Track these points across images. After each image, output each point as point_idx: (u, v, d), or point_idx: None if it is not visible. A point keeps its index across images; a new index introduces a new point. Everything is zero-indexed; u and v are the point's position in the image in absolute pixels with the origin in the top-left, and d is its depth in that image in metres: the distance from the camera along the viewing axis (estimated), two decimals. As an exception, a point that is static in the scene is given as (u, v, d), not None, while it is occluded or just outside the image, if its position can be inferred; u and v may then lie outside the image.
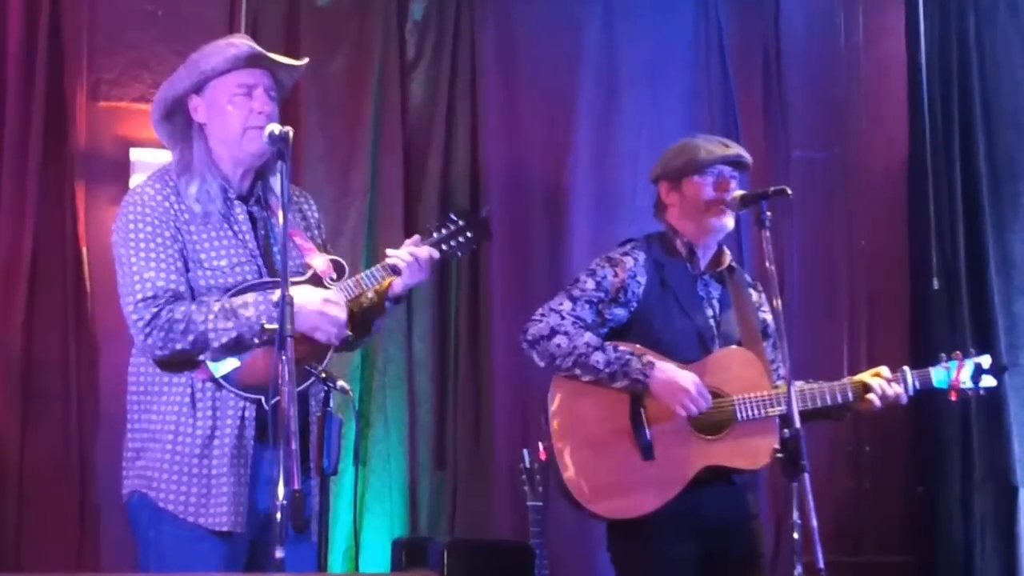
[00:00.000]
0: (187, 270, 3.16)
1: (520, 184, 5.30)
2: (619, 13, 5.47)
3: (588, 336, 3.62)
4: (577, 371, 3.61)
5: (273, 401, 2.94)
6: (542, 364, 3.66)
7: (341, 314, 3.15)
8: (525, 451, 4.28)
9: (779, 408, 3.56)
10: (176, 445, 3.12)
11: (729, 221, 3.73)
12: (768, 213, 3.36)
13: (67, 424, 4.62)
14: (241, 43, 3.27)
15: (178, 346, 3.08)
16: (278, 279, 3.14)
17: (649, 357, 3.58)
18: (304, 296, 3.04)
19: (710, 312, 3.75)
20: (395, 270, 3.29)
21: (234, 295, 3.13)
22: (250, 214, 3.28)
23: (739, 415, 3.60)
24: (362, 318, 3.32)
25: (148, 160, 4.71)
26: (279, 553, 2.62)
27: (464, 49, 5.28)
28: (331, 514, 3.60)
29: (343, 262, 3.30)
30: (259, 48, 3.26)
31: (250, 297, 3.11)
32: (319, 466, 3.06)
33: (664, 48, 5.51)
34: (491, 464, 5.05)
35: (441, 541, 4.43)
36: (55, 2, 4.76)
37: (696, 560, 3.62)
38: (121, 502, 3.25)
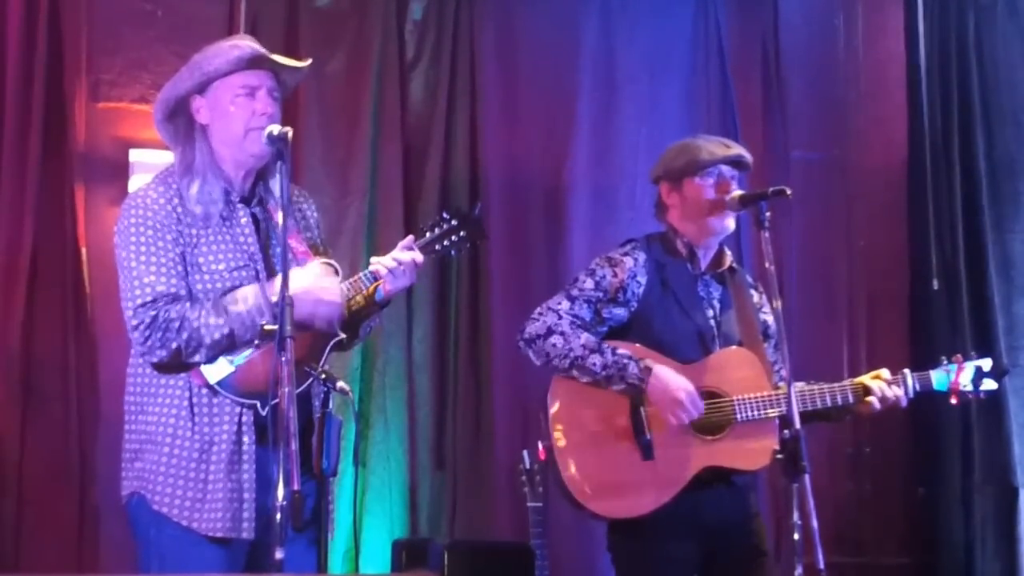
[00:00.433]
0: (186, 274, 3.16)
1: (519, 184, 5.30)
2: (618, 13, 5.47)
3: (585, 337, 3.62)
4: (574, 373, 3.61)
5: (271, 404, 2.95)
6: (538, 363, 3.67)
7: (336, 297, 3.17)
8: (525, 452, 4.28)
9: (778, 409, 3.57)
10: (173, 449, 3.13)
11: (730, 222, 3.73)
12: (767, 213, 3.36)
13: (67, 425, 4.62)
14: (245, 44, 3.27)
15: (174, 344, 3.09)
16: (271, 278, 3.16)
17: (647, 362, 3.58)
18: (296, 281, 3.04)
19: (710, 312, 3.75)
20: (376, 275, 3.29)
21: (226, 294, 3.14)
22: (252, 216, 3.28)
23: (739, 416, 3.60)
24: (350, 321, 3.32)
25: (148, 161, 4.71)
26: (279, 554, 2.62)
27: (463, 49, 5.28)
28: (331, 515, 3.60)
29: (336, 266, 3.30)
30: (263, 50, 3.27)
31: (240, 293, 3.12)
32: (319, 467, 3.06)
33: (663, 48, 5.51)
34: (491, 465, 5.05)
35: (441, 542, 4.43)
36: (54, 3, 4.75)
37: (697, 560, 3.63)
38: (120, 503, 3.26)
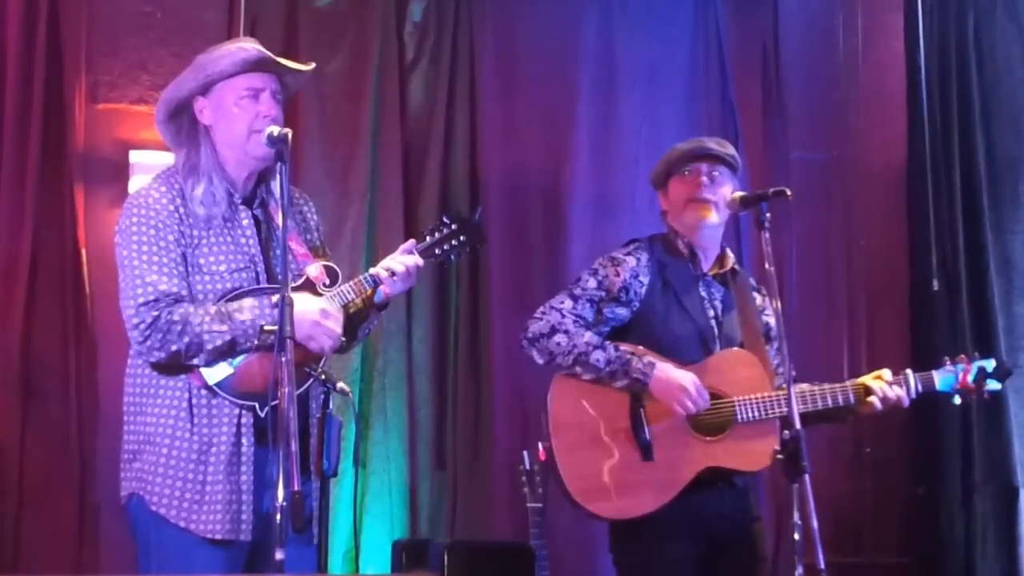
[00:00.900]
0: (187, 274, 3.16)
1: (519, 185, 5.30)
2: (618, 15, 5.47)
3: (588, 335, 3.63)
4: (578, 369, 3.61)
5: (270, 405, 2.95)
6: (541, 362, 3.67)
7: (337, 327, 3.15)
8: (525, 452, 4.29)
9: (779, 410, 3.57)
10: (172, 450, 3.12)
11: (710, 217, 3.73)
12: (768, 214, 3.36)
13: (67, 425, 4.62)
14: (250, 47, 3.28)
15: (174, 347, 3.08)
16: (275, 285, 3.15)
17: (650, 357, 3.58)
18: (302, 305, 3.03)
19: (712, 313, 3.76)
20: (378, 279, 3.29)
21: (230, 300, 3.14)
22: (254, 217, 3.28)
23: (739, 416, 3.60)
24: (349, 324, 3.32)
25: (147, 162, 4.71)
26: (279, 555, 2.62)
27: (463, 50, 5.28)
28: (331, 516, 3.61)
29: (336, 268, 3.30)
30: (267, 52, 3.27)
31: (247, 302, 3.12)
32: (319, 468, 3.06)
33: (663, 49, 5.51)
34: (491, 465, 5.05)
35: (441, 542, 4.43)
36: (53, 4, 4.76)
37: (698, 561, 3.63)
38: (120, 503, 3.25)
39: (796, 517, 3.07)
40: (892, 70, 5.60)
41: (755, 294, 3.88)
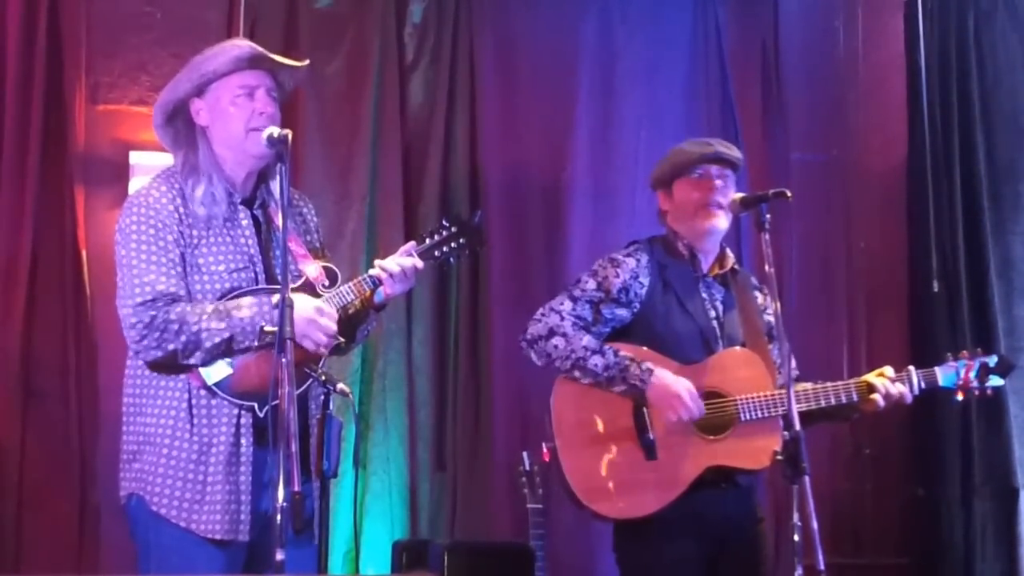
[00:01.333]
0: (185, 274, 3.16)
1: (519, 186, 5.30)
2: (617, 15, 5.47)
3: (587, 339, 3.63)
4: (576, 374, 3.62)
5: (269, 406, 2.95)
6: (540, 364, 3.68)
7: (332, 325, 3.15)
8: (524, 453, 4.28)
9: (782, 408, 3.57)
10: (172, 450, 3.13)
11: (720, 222, 3.74)
12: (768, 215, 3.36)
13: (67, 425, 4.63)
14: (243, 44, 3.29)
15: (171, 346, 3.08)
16: (274, 286, 3.16)
17: (649, 363, 3.58)
18: (298, 304, 3.03)
19: (713, 313, 3.76)
20: (378, 280, 3.29)
21: (229, 299, 3.14)
22: (253, 218, 3.28)
23: (742, 416, 3.61)
24: (347, 325, 3.32)
25: (147, 163, 4.72)
26: (279, 555, 2.62)
27: (463, 51, 5.28)
28: (331, 516, 3.61)
29: (335, 269, 3.31)
30: (261, 49, 3.27)
31: (245, 300, 3.13)
32: (319, 468, 3.07)
33: (663, 50, 5.51)
34: (491, 466, 5.05)
35: (441, 543, 4.43)
36: (54, 5, 4.76)
37: (702, 561, 3.64)
38: (119, 503, 3.25)
39: (796, 518, 3.07)
40: (892, 71, 5.60)
41: (756, 293, 3.89)
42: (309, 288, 3.23)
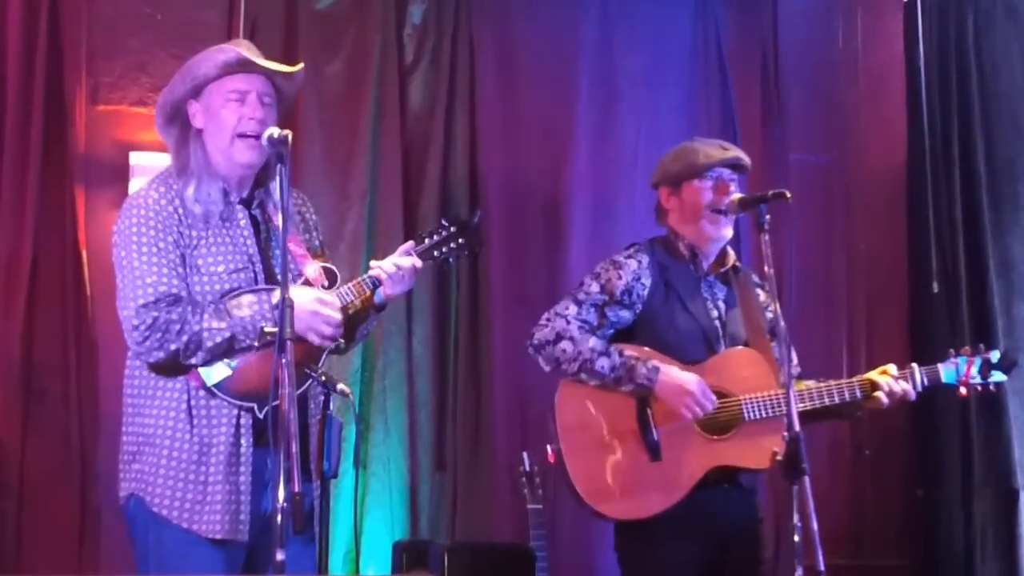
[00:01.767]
0: (186, 275, 3.16)
1: (519, 187, 5.30)
2: (617, 17, 5.47)
3: (593, 341, 3.63)
4: (583, 376, 3.63)
5: (268, 407, 2.96)
6: (548, 368, 3.69)
7: (335, 315, 3.16)
8: (525, 454, 4.29)
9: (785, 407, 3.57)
10: (172, 451, 3.13)
11: (727, 231, 3.75)
12: (767, 216, 3.36)
13: (67, 426, 4.62)
14: (231, 49, 3.28)
15: (172, 347, 3.09)
16: (273, 285, 3.16)
17: (655, 362, 3.59)
18: (299, 297, 3.03)
19: (715, 313, 3.76)
20: (378, 280, 3.29)
21: (229, 299, 3.14)
22: (252, 218, 3.28)
23: (746, 415, 3.61)
24: (347, 325, 3.32)
25: (147, 164, 4.72)
26: (280, 556, 2.62)
27: (463, 53, 5.28)
28: (331, 517, 3.61)
29: (335, 269, 3.31)
30: (250, 54, 3.26)
31: (245, 299, 3.13)
32: (319, 469, 3.07)
33: (662, 52, 5.51)
34: (491, 467, 5.05)
35: (441, 544, 4.43)
36: (54, 6, 4.76)
37: (703, 562, 3.64)
38: (119, 504, 3.25)
39: (796, 519, 3.07)
40: (892, 72, 5.60)
41: (758, 290, 3.88)
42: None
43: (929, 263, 5.34)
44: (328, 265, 3.32)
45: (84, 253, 4.70)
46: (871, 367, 3.84)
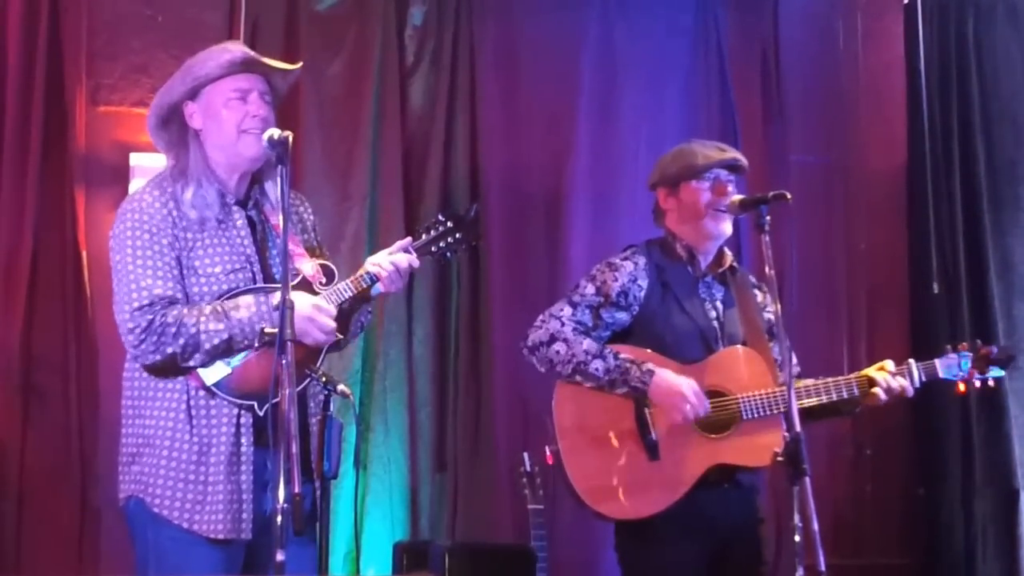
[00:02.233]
0: (182, 277, 3.16)
1: (519, 188, 5.31)
2: (618, 18, 5.47)
3: (588, 343, 3.63)
4: (577, 378, 3.63)
5: (268, 405, 2.97)
6: (542, 370, 3.69)
7: (330, 321, 3.16)
8: (525, 454, 4.29)
9: (784, 406, 3.57)
10: (172, 451, 3.13)
11: (727, 227, 3.75)
12: (767, 217, 3.36)
13: (67, 426, 4.63)
14: (235, 48, 3.29)
15: (169, 350, 3.09)
16: (271, 285, 3.16)
17: (649, 365, 3.59)
18: (296, 302, 3.03)
19: (713, 313, 3.76)
20: (376, 277, 3.29)
21: (227, 299, 3.15)
22: (248, 219, 3.28)
23: (744, 414, 3.61)
24: (343, 319, 3.32)
25: (147, 164, 4.72)
26: (280, 556, 2.62)
27: (463, 54, 5.28)
28: (332, 517, 3.61)
29: (332, 267, 3.31)
30: (253, 53, 3.28)
31: (243, 300, 3.13)
32: (319, 469, 3.07)
33: (663, 52, 5.51)
34: (492, 467, 5.05)
35: (442, 544, 4.44)
36: (54, 7, 4.77)
37: (703, 562, 3.64)
38: (119, 505, 3.26)
39: (796, 519, 3.07)
40: (892, 72, 5.61)
41: (755, 291, 3.89)
42: (306, 286, 3.23)
43: (929, 263, 5.34)
44: (326, 263, 3.32)
45: (84, 254, 4.71)
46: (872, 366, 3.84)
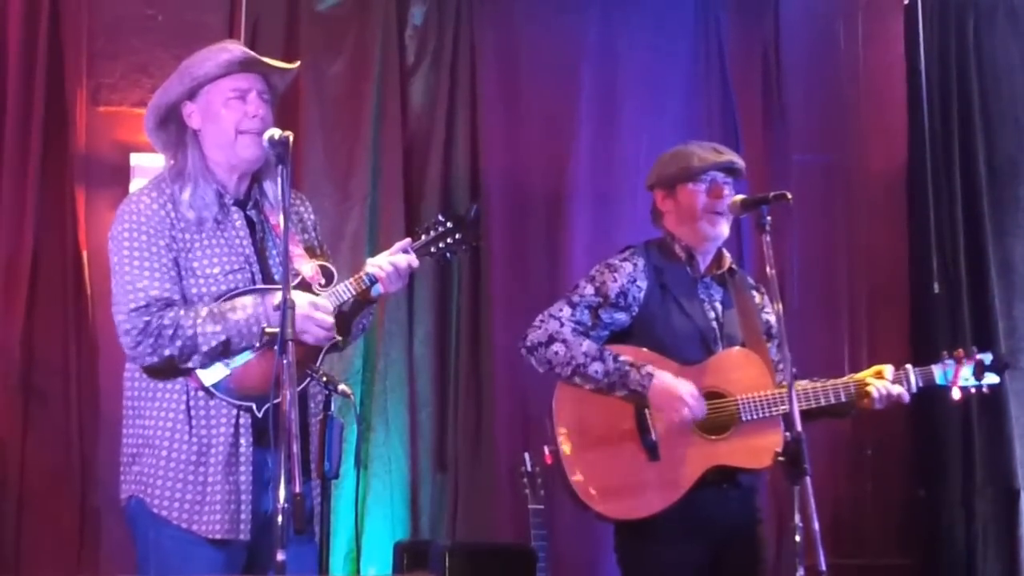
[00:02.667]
0: (180, 279, 3.16)
1: (520, 187, 5.31)
2: (619, 19, 5.47)
3: (587, 345, 3.63)
4: (576, 380, 3.63)
5: (267, 406, 2.97)
6: (541, 370, 3.69)
7: (328, 319, 3.15)
8: (526, 454, 4.29)
9: (782, 408, 3.58)
10: (171, 452, 3.13)
11: (724, 229, 3.75)
12: (768, 217, 3.36)
13: (67, 427, 4.63)
14: (234, 47, 3.29)
15: (166, 352, 3.09)
16: (270, 285, 3.16)
17: (649, 368, 3.59)
18: (295, 301, 3.03)
19: (712, 314, 3.77)
20: (375, 278, 3.29)
21: (225, 300, 3.14)
22: (248, 218, 3.28)
23: (743, 415, 3.61)
24: (344, 321, 3.33)
25: (148, 165, 4.73)
26: (280, 556, 2.62)
27: (464, 54, 5.29)
28: (332, 517, 3.61)
29: (332, 268, 3.30)
30: (252, 52, 3.28)
31: (239, 301, 3.13)
32: (320, 469, 3.07)
33: (664, 53, 5.51)
34: (492, 467, 5.05)
35: (442, 544, 4.44)
36: (55, 7, 4.77)
37: (703, 562, 3.64)
38: (120, 505, 3.26)
39: (797, 519, 3.07)
40: (892, 73, 5.60)
41: (754, 292, 3.89)
42: (305, 287, 3.22)
43: (930, 264, 5.34)
44: (325, 263, 3.32)
45: (84, 254, 4.71)
46: (872, 367, 3.84)
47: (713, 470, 3.60)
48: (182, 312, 3.11)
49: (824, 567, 3.03)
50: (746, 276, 3.96)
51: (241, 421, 3.14)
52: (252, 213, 3.30)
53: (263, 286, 3.20)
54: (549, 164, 5.36)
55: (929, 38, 5.48)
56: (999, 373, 3.84)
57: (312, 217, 3.49)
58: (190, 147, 3.25)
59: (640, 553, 3.66)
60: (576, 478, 3.60)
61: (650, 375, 3.58)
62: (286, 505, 2.62)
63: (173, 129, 3.28)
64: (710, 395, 3.63)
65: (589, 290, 3.72)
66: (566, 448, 3.62)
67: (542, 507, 4.24)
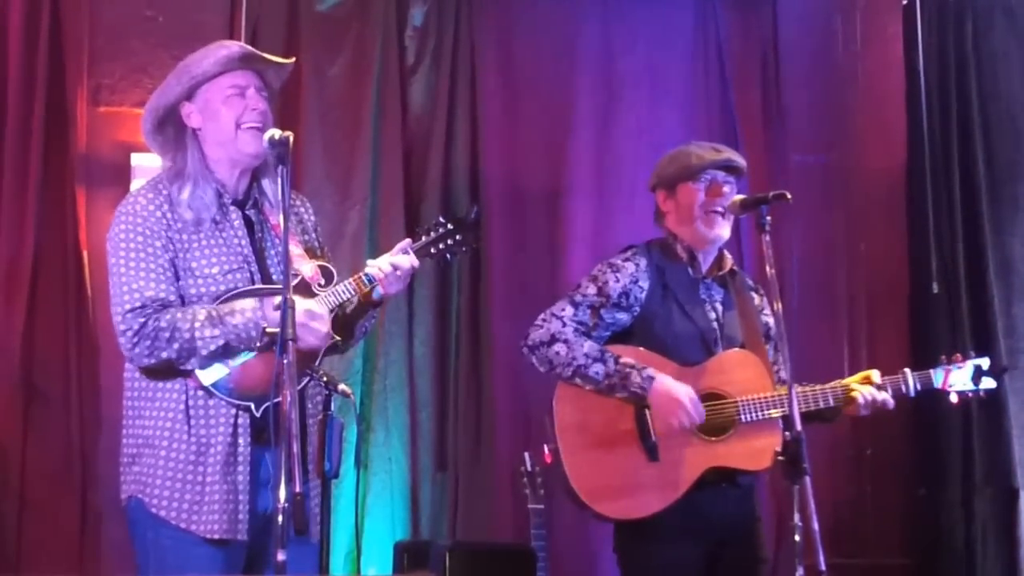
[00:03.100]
0: (177, 279, 3.16)
1: (520, 188, 5.31)
2: (618, 19, 5.48)
3: (588, 345, 3.64)
4: (577, 380, 3.63)
5: (265, 406, 2.98)
6: (542, 370, 3.69)
7: (323, 327, 3.14)
8: (526, 454, 4.29)
9: (781, 409, 3.58)
10: (170, 452, 3.13)
11: (724, 229, 3.75)
12: (768, 217, 3.36)
13: (68, 427, 4.63)
14: (231, 45, 3.31)
15: (164, 354, 3.09)
16: (269, 285, 3.16)
17: (649, 371, 3.60)
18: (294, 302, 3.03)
19: (713, 315, 3.77)
20: (375, 279, 3.29)
21: (223, 302, 3.14)
22: (246, 218, 3.28)
23: (743, 417, 3.62)
24: (346, 323, 3.33)
25: (148, 165, 4.71)
26: (280, 556, 2.62)
27: (464, 54, 5.29)
28: (332, 517, 3.61)
29: (331, 268, 3.30)
30: (250, 48, 3.30)
31: (238, 304, 3.12)
32: (320, 469, 3.07)
33: (663, 53, 5.52)
34: (492, 467, 5.06)
35: (443, 544, 4.44)
36: (56, 7, 4.77)
37: (702, 562, 3.64)
38: (120, 506, 3.26)
39: (797, 519, 3.07)
40: (891, 73, 5.60)
41: (753, 294, 3.90)
42: (305, 287, 3.21)
43: (929, 263, 5.34)
44: (325, 264, 3.32)
45: (85, 254, 4.71)
46: (871, 367, 3.84)
47: (712, 471, 3.61)
48: (179, 314, 3.10)
49: (824, 567, 3.03)
50: (746, 278, 3.97)
51: (239, 421, 3.13)
52: (251, 213, 3.29)
53: (262, 286, 3.20)
54: (549, 164, 5.37)
55: (928, 38, 5.48)
56: (996, 378, 3.85)
57: (312, 218, 3.48)
58: (189, 147, 3.25)
59: (639, 553, 3.67)
60: (576, 477, 3.60)
61: (651, 378, 3.58)
62: (286, 505, 2.62)
63: (171, 131, 3.28)
64: (710, 396, 3.64)
65: (591, 290, 3.73)
66: (566, 447, 3.63)
67: (542, 507, 4.24)
